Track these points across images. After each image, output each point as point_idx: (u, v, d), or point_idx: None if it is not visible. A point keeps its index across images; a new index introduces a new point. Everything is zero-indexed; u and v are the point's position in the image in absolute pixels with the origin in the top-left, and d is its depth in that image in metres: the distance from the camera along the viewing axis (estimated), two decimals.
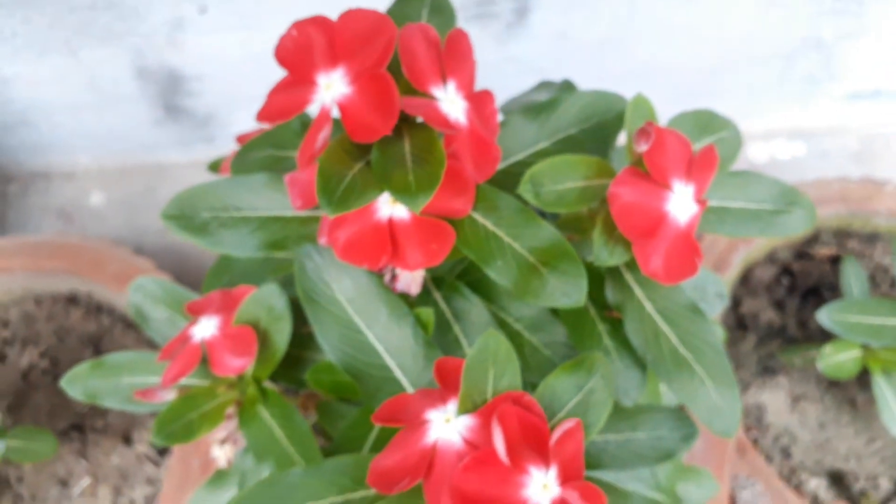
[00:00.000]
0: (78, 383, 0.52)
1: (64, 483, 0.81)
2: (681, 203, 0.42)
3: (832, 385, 0.87)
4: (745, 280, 0.92)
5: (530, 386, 0.39)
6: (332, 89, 0.38)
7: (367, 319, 0.44)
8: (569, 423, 0.36)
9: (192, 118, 1.06)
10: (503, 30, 0.94)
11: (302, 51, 0.38)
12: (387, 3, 0.45)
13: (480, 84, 0.42)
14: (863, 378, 0.82)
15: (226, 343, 0.48)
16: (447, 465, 0.36)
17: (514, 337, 0.48)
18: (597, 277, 0.47)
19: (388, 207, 0.41)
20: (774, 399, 0.85)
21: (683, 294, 0.47)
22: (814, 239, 0.94)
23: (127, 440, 0.83)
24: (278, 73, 0.40)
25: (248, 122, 1.01)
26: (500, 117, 0.45)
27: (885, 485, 0.80)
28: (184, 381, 0.51)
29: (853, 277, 0.81)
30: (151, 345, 0.87)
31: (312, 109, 0.39)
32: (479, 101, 0.41)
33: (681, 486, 0.57)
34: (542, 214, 0.46)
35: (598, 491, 0.35)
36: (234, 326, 0.48)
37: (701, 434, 0.51)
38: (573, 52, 0.98)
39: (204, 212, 0.44)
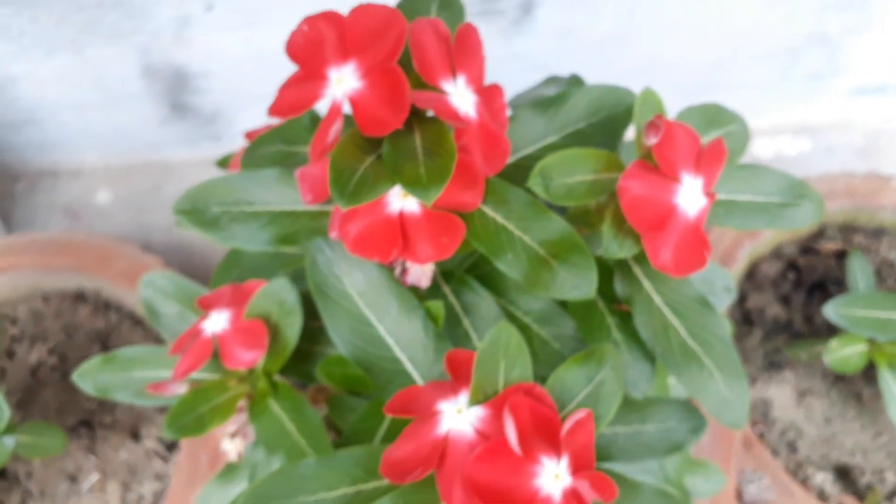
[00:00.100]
0: (89, 377, 0.53)
1: (73, 479, 0.82)
2: (690, 196, 0.42)
3: (838, 379, 0.87)
4: (751, 275, 0.92)
5: (540, 379, 0.39)
6: (343, 84, 0.38)
7: (377, 313, 0.44)
8: (580, 414, 0.37)
9: (198, 116, 1.06)
10: (508, 26, 0.95)
11: (313, 46, 0.39)
12: None
13: (485, 80, 0.42)
14: (869, 372, 0.82)
15: (237, 336, 0.48)
16: (459, 455, 0.36)
17: (523, 330, 0.48)
18: (605, 271, 0.47)
19: (399, 201, 0.41)
20: (780, 394, 0.85)
21: (692, 287, 0.47)
22: (819, 234, 0.94)
23: (135, 436, 0.84)
24: (285, 71, 0.40)
25: (253, 120, 1.01)
26: (508, 112, 0.45)
27: (891, 479, 0.80)
28: (195, 374, 0.51)
29: (859, 272, 0.81)
30: (159, 341, 0.87)
31: (323, 105, 0.39)
32: (488, 95, 0.41)
33: (689, 478, 0.57)
34: (550, 208, 0.46)
35: (609, 481, 0.36)
36: (245, 320, 0.49)
37: (708, 429, 0.51)
38: (578, 49, 0.99)
39: (215, 206, 0.44)
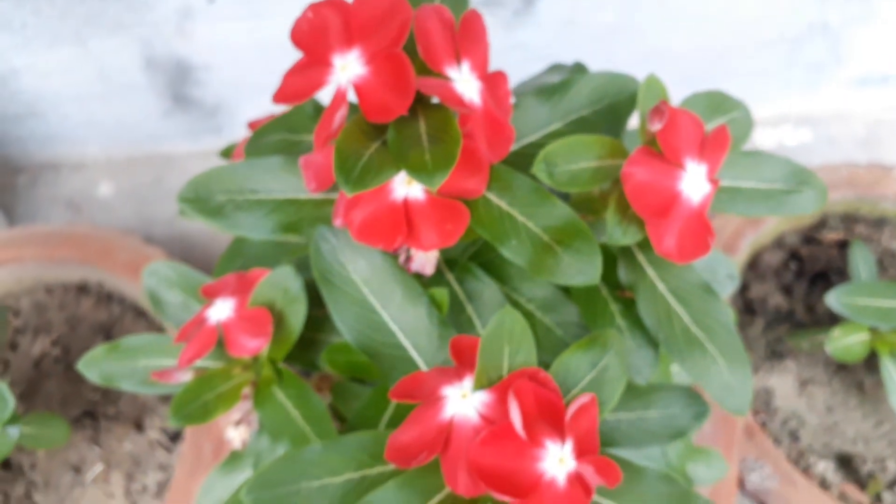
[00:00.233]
0: (94, 366, 0.53)
1: (77, 469, 0.82)
2: (694, 182, 0.43)
3: (840, 369, 0.87)
4: (754, 265, 0.92)
5: (543, 365, 0.39)
6: (347, 70, 0.38)
7: (382, 300, 0.44)
8: (584, 399, 0.37)
9: (199, 108, 1.06)
10: (511, 16, 0.94)
11: (317, 32, 0.39)
12: None
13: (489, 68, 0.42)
14: (871, 361, 0.82)
15: (241, 324, 0.48)
16: (464, 439, 0.36)
17: (527, 317, 0.48)
18: (609, 258, 0.47)
19: (404, 188, 0.41)
20: (782, 383, 0.86)
21: (695, 274, 0.48)
22: (821, 224, 0.94)
23: (139, 426, 0.84)
24: (287, 63, 0.40)
25: (255, 112, 1.01)
26: (512, 99, 0.45)
27: (892, 467, 0.81)
28: (199, 362, 0.51)
29: (861, 261, 0.81)
30: (162, 332, 0.87)
31: (327, 92, 0.39)
32: (492, 81, 0.41)
33: (691, 465, 0.58)
34: (554, 195, 0.46)
35: (613, 465, 0.36)
36: (249, 308, 0.49)
37: (710, 417, 0.52)
38: (580, 39, 0.98)
39: (219, 195, 0.44)
